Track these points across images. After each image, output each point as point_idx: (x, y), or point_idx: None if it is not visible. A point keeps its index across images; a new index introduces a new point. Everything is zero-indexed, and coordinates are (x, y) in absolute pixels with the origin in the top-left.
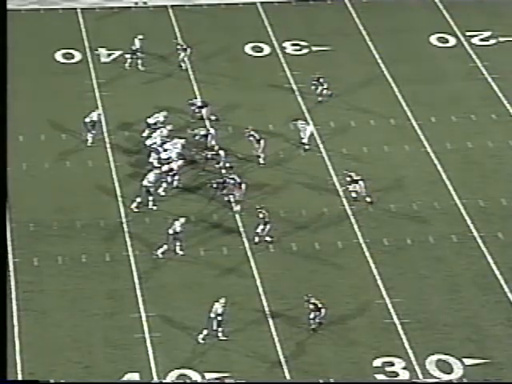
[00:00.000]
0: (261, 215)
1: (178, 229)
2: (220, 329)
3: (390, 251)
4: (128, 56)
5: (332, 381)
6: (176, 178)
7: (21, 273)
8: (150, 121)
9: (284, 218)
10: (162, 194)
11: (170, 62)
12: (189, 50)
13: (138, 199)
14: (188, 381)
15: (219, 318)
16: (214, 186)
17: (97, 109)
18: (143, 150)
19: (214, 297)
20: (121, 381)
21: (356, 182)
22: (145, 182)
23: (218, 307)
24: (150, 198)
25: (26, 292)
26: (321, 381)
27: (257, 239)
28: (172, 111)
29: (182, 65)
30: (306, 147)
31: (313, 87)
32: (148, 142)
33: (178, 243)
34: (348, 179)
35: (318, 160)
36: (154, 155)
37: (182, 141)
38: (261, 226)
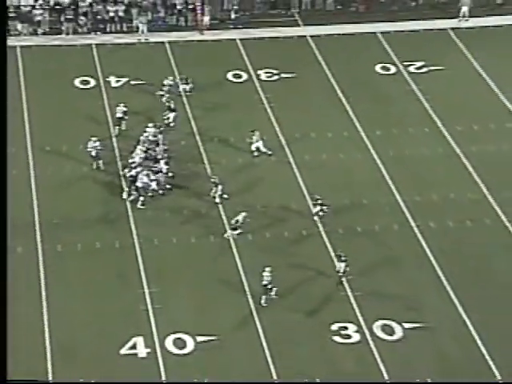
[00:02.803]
0: (318, 207)
1: (241, 219)
2: (273, 291)
3: (345, 238)
4: (162, 93)
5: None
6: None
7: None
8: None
9: (260, 211)
10: (160, 192)
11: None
12: (191, 84)
13: (142, 198)
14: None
15: (269, 286)
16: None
17: (120, 104)
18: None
19: (203, 278)
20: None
21: (217, 185)
22: (138, 184)
23: (266, 275)
24: (141, 198)
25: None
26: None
27: (316, 217)
28: (165, 130)
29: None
30: (256, 154)
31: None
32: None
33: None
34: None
35: (285, 165)
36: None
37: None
38: (317, 208)
